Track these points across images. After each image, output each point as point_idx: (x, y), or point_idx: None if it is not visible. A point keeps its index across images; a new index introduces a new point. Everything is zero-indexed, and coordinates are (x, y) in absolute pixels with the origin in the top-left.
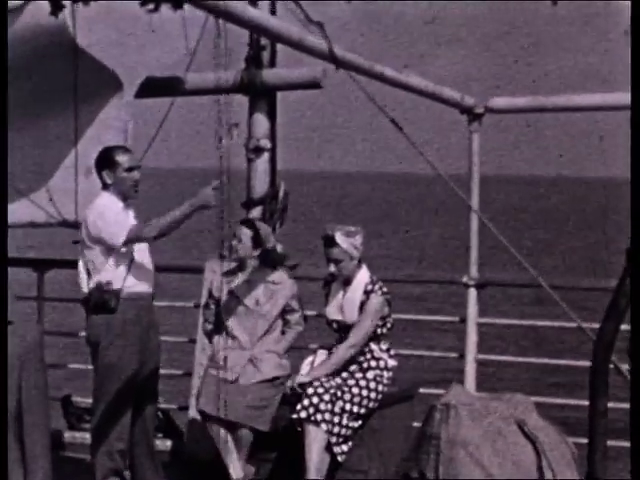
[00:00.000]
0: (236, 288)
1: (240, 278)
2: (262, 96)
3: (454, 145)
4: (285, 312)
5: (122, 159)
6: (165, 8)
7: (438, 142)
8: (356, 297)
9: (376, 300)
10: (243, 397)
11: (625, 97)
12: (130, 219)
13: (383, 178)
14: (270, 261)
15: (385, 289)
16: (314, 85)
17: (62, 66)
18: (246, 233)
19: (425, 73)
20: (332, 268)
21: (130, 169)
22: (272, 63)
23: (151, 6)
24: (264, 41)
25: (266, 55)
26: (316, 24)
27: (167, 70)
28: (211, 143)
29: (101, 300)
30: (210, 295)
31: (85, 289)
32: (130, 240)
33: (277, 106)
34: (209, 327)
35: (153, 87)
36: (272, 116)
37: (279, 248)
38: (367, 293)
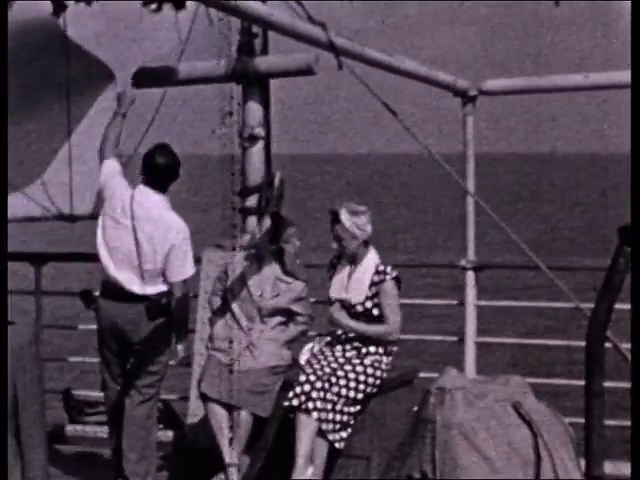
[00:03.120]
0: (248, 273)
1: (254, 266)
2: (255, 84)
3: (450, 123)
4: (289, 312)
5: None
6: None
7: (434, 121)
8: (365, 277)
9: (392, 283)
10: (244, 382)
11: (619, 75)
12: None
13: (381, 159)
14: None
15: (396, 272)
16: (307, 71)
17: (53, 60)
18: (266, 224)
19: (421, 53)
20: (335, 245)
21: None
22: (264, 50)
23: (154, 6)
24: (256, 29)
25: (258, 43)
26: (319, 24)
27: (160, 60)
28: (205, 131)
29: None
30: (219, 280)
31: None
32: None
33: (271, 93)
34: (216, 304)
35: (146, 77)
36: (266, 104)
37: (296, 244)
38: (379, 273)
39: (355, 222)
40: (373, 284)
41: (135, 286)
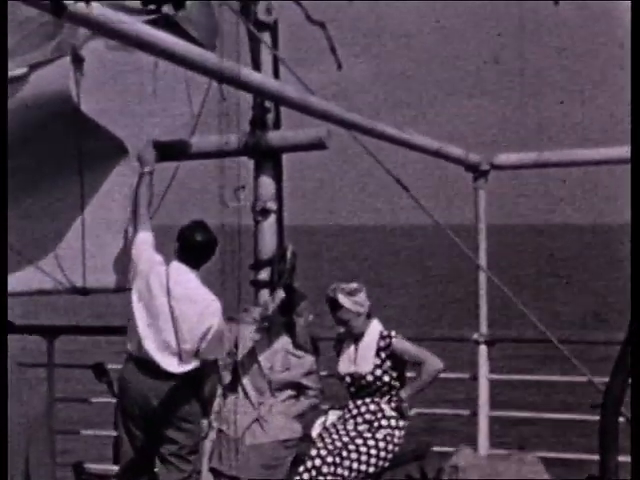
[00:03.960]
0: (258, 347)
1: (265, 339)
2: (267, 158)
3: (461, 192)
4: (300, 386)
5: None
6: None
7: (444, 191)
8: (371, 347)
9: (401, 339)
10: (255, 456)
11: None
12: None
13: (390, 231)
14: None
15: (401, 335)
16: (319, 146)
17: (66, 134)
18: (280, 296)
19: (434, 127)
20: (342, 329)
21: None
22: (277, 125)
23: (152, 6)
24: (268, 103)
25: (270, 117)
26: (318, 23)
27: (172, 134)
28: (217, 205)
29: None
30: (229, 353)
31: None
32: None
33: (283, 167)
34: (226, 379)
35: (159, 151)
36: (278, 177)
37: (310, 318)
38: (384, 338)
39: (355, 300)
40: (380, 349)
41: (172, 366)
